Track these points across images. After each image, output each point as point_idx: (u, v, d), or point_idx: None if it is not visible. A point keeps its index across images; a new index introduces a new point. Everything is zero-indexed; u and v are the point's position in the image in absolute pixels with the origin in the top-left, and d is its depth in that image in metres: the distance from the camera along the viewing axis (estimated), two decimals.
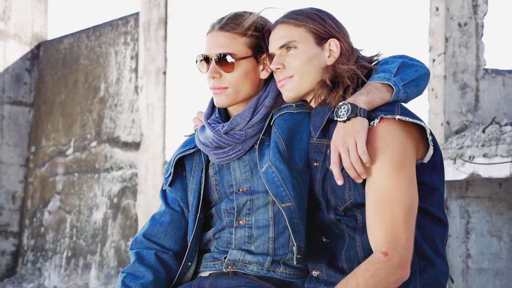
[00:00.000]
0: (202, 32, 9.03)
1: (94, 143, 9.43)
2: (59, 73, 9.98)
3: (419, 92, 2.50)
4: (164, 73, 8.32)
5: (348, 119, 2.36)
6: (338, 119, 2.38)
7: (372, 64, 2.52)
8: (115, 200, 9.17)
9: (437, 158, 2.42)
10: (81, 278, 9.49)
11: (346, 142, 2.33)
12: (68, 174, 9.73)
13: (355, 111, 2.35)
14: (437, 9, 7.09)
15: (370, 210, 2.33)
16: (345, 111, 2.37)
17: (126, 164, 9.04)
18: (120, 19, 9.26)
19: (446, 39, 7.03)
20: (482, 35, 7.21)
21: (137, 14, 8.96)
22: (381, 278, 2.26)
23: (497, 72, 7.36)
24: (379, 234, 2.29)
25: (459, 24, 7.08)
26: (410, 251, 2.29)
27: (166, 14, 8.35)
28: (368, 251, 2.39)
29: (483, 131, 6.66)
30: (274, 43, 2.55)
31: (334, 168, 2.36)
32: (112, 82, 9.26)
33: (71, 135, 9.74)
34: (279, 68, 2.52)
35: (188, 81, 8.23)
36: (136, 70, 8.87)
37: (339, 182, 2.35)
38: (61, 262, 9.73)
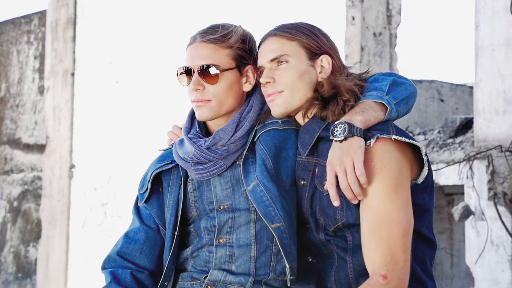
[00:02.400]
0: (112, 33, 8.82)
1: None
2: None
3: (408, 111, 2.49)
4: (72, 74, 8.12)
5: (345, 138, 2.32)
6: (335, 139, 2.33)
7: (361, 81, 2.49)
8: (15, 203, 8.89)
9: (430, 178, 2.40)
10: None
11: (344, 162, 2.29)
12: None
13: (352, 130, 2.31)
14: (353, 18, 7.16)
15: (366, 232, 2.29)
16: (341, 130, 2.32)
17: (27, 166, 8.78)
18: (23, 17, 8.98)
19: (362, 48, 7.11)
20: (395, 45, 7.33)
21: (41, 12, 8.71)
22: None
23: None
24: (377, 257, 2.26)
25: (374, 34, 7.18)
26: (407, 273, 2.27)
27: (75, 14, 8.15)
28: (359, 273, 2.36)
29: None
30: (265, 56, 2.48)
31: (330, 188, 2.31)
32: (13, 82, 8.97)
33: None
34: (269, 82, 2.45)
35: (97, 83, 8.05)
36: (40, 70, 8.62)
37: (336, 203, 2.30)
38: None
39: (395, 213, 2.28)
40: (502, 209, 5.98)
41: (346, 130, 2.31)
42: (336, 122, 2.35)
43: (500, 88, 6.20)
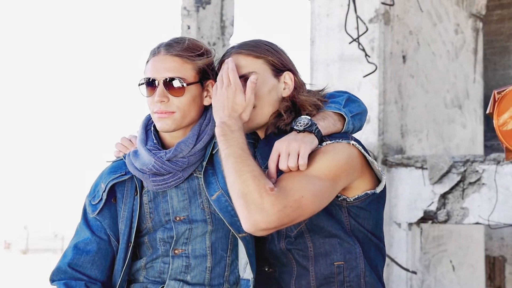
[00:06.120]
0: None
1: None
2: None
3: (360, 127, 2.62)
4: None
5: (303, 131, 2.41)
6: (295, 127, 2.41)
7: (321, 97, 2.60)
8: None
9: (384, 191, 2.55)
10: None
11: (290, 146, 2.36)
12: None
13: (312, 128, 2.40)
14: (189, 27, 7.27)
15: (284, 174, 2.35)
16: (304, 123, 2.41)
17: None
18: None
19: None
20: None
21: None
22: (252, 193, 2.24)
23: None
24: (281, 183, 2.30)
25: (209, 44, 7.30)
26: (287, 218, 2.26)
27: None
28: (320, 281, 2.45)
29: None
30: None
31: (271, 166, 2.37)
32: None
33: None
34: None
35: None
36: None
37: (272, 180, 2.34)
38: None
39: (315, 180, 2.32)
40: None
41: (308, 124, 2.40)
42: (301, 116, 2.44)
43: None
